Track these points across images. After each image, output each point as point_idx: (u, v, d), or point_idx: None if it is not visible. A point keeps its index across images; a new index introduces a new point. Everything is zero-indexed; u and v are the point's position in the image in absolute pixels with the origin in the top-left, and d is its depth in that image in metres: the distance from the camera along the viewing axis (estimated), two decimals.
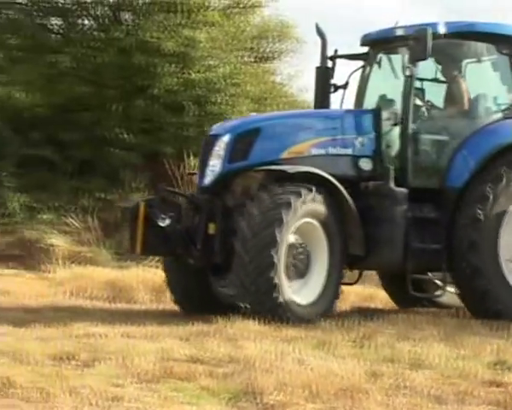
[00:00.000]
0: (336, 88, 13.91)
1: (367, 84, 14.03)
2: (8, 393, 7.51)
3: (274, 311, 11.34)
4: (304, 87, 26.10)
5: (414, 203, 12.45)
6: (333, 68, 13.99)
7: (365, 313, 12.99)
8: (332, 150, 12.52)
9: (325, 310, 12.12)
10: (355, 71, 13.99)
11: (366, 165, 12.68)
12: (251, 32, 23.65)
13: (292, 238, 11.80)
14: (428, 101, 13.35)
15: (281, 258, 11.43)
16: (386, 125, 12.81)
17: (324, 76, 13.84)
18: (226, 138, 12.25)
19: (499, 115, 13.38)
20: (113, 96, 23.27)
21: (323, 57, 13.73)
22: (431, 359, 9.36)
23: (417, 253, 12.31)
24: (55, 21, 25.13)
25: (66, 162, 22.45)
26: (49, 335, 10.24)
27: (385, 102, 13.40)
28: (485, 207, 12.34)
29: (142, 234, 11.89)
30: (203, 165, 12.55)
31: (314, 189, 11.72)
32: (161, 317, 12.84)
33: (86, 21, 24.71)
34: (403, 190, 12.33)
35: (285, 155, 12.31)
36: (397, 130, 12.89)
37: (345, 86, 13.88)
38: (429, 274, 13.46)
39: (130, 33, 23.18)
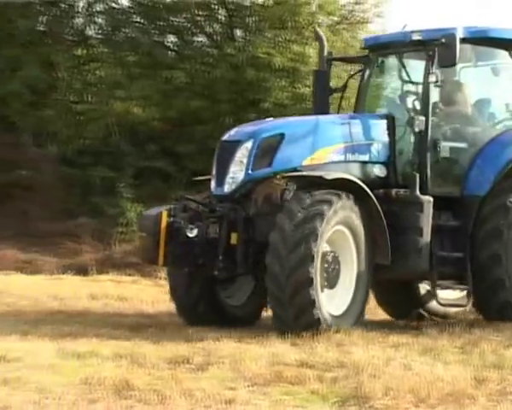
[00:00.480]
0: (333, 91, 13.35)
1: (368, 88, 13.41)
2: (126, 395, 7.69)
3: (312, 327, 10.59)
4: None
5: (436, 211, 11.89)
6: (329, 71, 13.32)
7: (470, 321, 12.63)
8: (350, 157, 11.85)
9: (357, 320, 11.42)
10: (354, 74, 13.73)
11: (381, 171, 12.07)
12: (358, 47, 23.59)
13: (324, 248, 11.07)
14: (443, 106, 12.59)
15: (317, 272, 10.69)
16: (400, 131, 12.28)
17: (322, 79, 13.08)
18: (249, 144, 11.38)
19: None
20: (225, 109, 23.45)
21: (322, 60, 12.99)
22: None
23: (441, 261, 11.80)
24: (171, 39, 25.50)
25: (181, 174, 22.63)
26: (165, 339, 10.43)
27: (394, 106, 12.98)
28: (507, 218, 11.91)
29: (165, 245, 11.05)
30: (221, 172, 11.55)
31: (344, 195, 11.00)
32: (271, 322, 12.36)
33: (200, 38, 25.00)
34: (429, 198, 11.71)
35: (307, 161, 11.58)
36: (411, 135, 12.29)
37: (343, 89, 13.35)
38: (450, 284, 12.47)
39: (242, 49, 23.33)
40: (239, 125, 12.56)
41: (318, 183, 10.96)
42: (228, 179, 11.34)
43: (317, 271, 10.60)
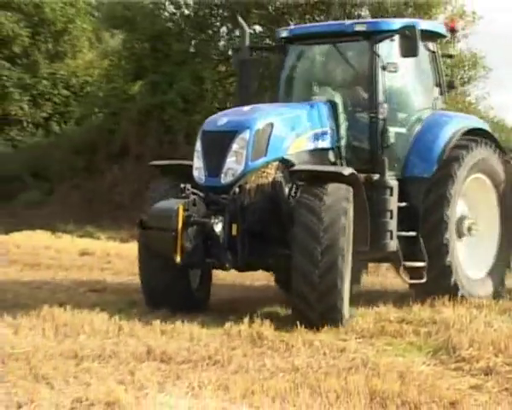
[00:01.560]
0: (257, 78, 11.24)
1: (292, 76, 11.34)
2: (259, 344, 7.95)
3: (338, 323, 8.68)
4: (489, 106, 25.67)
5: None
6: (253, 59, 11.18)
7: None
8: (316, 144, 9.96)
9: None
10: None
11: (333, 157, 10.17)
12: (449, 62, 23.17)
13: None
14: (388, 94, 10.40)
15: (347, 269, 8.99)
16: (341, 118, 10.32)
17: (245, 68, 10.85)
18: (246, 135, 9.33)
19: (431, 108, 10.94)
20: None
21: (244, 49, 10.74)
22: None
23: (402, 241, 10.11)
24: None
25: None
26: None
27: (331, 93, 10.56)
28: (452, 187, 10.23)
29: (183, 240, 8.81)
30: (214, 162, 9.38)
31: (351, 188, 9.16)
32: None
33: None
34: (395, 181, 10.09)
35: (291, 149, 9.67)
36: (355, 121, 10.48)
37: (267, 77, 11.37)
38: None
39: None
40: (222, 114, 10.27)
41: (321, 176, 9.18)
42: (224, 170, 9.31)
43: (347, 269, 8.96)
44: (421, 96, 10.96)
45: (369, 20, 10.97)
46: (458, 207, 10.57)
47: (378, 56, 10.10)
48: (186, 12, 25.13)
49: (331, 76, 11.33)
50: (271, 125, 9.53)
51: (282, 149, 9.58)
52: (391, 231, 9.78)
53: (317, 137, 9.94)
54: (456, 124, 10.82)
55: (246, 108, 10.00)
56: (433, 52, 10.94)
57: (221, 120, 9.72)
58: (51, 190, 24.76)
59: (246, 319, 8.74)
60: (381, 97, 10.17)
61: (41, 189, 24.77)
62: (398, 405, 6.12)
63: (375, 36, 10.18)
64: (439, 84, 11.01)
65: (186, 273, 9.67)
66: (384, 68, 10.06)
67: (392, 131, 10.31)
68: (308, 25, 11.61)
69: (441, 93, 11.09)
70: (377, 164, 10.15)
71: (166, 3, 25.20)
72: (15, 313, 8.98)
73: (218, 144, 9.47)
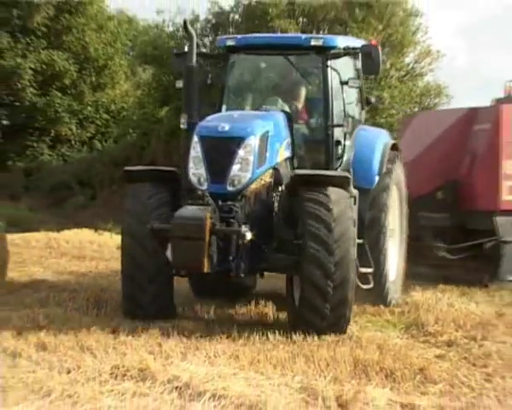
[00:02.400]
0: (201, 86, 8.62)
1: (242, 85, 9.63)
2: (264, 321, 7.88)
3: (342, 331, 7.39)
4: None
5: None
6: (199, 67, 8.78)
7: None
8: (287, 153, 8.40)
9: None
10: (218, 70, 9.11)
11: (292, 167, 8.56)
12: (418, 92, 23.11)
13: None
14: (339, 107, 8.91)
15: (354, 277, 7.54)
16: (296, 128, 8.67)
17: (192, 74, 8.41)
18: (252, 142, 7.74)
19: (360, 122, 9.50)
20: None
21: (191, 56, 8.39)
22: None
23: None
24: None
25: None
26: None
27: (278, 104, 8.85)
28: (389, 198, 9.07)
29: (210, 249, 7.21)
30: (218, 169, 7.70)
31: (355, 194, 8.13)
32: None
33: None
34: (356, 191, 8.32)
35: (279, 157, 8.18)
36: (308, 132, 8.94)
37: (209, 85, 9.06)
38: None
39: None
40: (217, 119, 8.17)
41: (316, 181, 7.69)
42: (231, 177, 7.68)
43: (354, 277, 7.56)
44: (356, 110, 9.38)
45: (326, 35, 9.04)
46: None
47: (337, 72, 8.56)
48: (203, 50, 25.20)
49: (281, 88, 9.42)
50: (268, 132, 7.97)
51: (275, 157, 8.08)
52: (353, 239, 7.75)
53: (288, 145, 8.39)
54: (383, 138, 9.57)
55: (237, 114, 8.38)
56: (358, 70, 9.11)
57: (222, 125, 7.85)
58: (94, 195, 24.99)
59: (253, 302, 8.71)
60: (343, 111, 8.69)
61: (86, 194, 24.99)
62: (377, 371, 6.15)
63: (330, 51, 8.60)
64: (362, 100, 9.49)
65: (171, 284, 7.94)
66: (345, 83, 8.58)
67: (344, 143, 8.75)
68: (258, 35, 9.25)
69: (363, 108, 9.53)
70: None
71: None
72: (65, 296, 8.99)
73: (223, 150, 7.77)
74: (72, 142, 21.35)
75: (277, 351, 6.65)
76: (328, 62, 8.59)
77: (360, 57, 8.58)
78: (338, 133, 8.67)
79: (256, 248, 7.55)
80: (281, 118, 8.32)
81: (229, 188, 7.71)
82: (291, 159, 8.53)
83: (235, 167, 7.71)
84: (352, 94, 9.16)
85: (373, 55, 8.38)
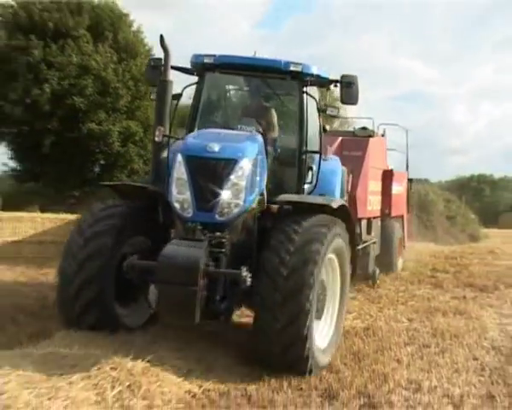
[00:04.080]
0: (174, 98, 7.59)
1: (215, 103, 8.58)
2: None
3: (298, 364, 6.16)
4: None
5: None
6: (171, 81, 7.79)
7: None
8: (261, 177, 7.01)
9: (335, 349, 7.04)
10: (188, 86, 7.72)
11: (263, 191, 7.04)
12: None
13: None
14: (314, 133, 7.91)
15: (313, 302, 6.20)
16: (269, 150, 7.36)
17: (166, 89, 7.62)
18: (244, 164, 6.49)
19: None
20: None
21: (166, 70, 7.62)
22: None
23: None
24: None
25: None
26: None
27: (253, 124, 7.66)
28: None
29: (202, 295, 5.94)
30: (206, 194, 6.36)
31: (340, 222, 6.99)
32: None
33: None
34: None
35: (265, 182, 6.99)
36: (281, 155, 7.76)
37: (178, 98, 7.71)
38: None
39: None
40: (203, 137, 6.83)
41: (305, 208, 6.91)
42: (221, 205, 6.33)
43: (313, 301, 6.19)
44: (316, 138, 7.97)
45: (304, 62, 7.64)
46: None
47: (314, 99, 7.61)
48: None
49: (256, 109, 8.14)
50: (258, 154, 6.80)
51: (263, 182, 6.89)
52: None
53: (268, 169, 7.21)
54: (340, 166, 8.93)
55: (223, 134, 7.05)
56: (315, 99, 7.93)
57: (211, 145, 6.48)
58: None
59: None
60: (319, 138, 7.75)
61: None
62: None
63: (309, 78, 7.73)
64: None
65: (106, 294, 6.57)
66: (323, 111, 7.64)
67: (314, 169, 7.80)
68: (236, 55, 7.83)
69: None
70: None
71: None
72: None
73: (212, 174, 6.40)
74: (140, 173, 24.37)
75: None
76: (305, 89, 7.73)
77: (340, 86, 7.66)
78: (310, 160, 7.81)
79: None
80: (261, 140, 7.15)
81: (219, 217, 6.34)
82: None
83: (226, 194, 6.37)
84: (316, 120, 7.95)
85: (354, 85, 7.59)
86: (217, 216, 6.40)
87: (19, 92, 19.49)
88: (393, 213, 13.23)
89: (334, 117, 8.22)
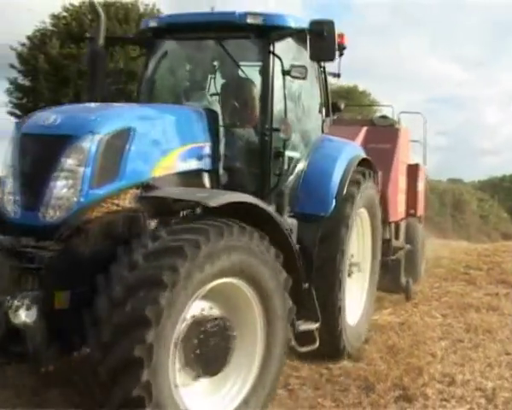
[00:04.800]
0: (110, 74, 5.51)
1: (159, 75, 6.45)
2: None
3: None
4: None
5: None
6: (107, 52, 6.23)
7: None
8: (193, 164, 5.33)
9: None
10: (136, 57, 5.84)
11: (208, 182, 5.51)
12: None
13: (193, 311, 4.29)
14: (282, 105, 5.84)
15: (169, 348, 4.04)
16: (226, 132, 5.73)
17: (97, 59, 5.89)
18: (86, 143, 4.42)
19: (319, 131, 6.71)
20: None
21: (98, 39, 5.87)
22: None
23: (291, 295, 5.10)
24: None
25: None
26: None
27: (204, 99, 6.08)
28: (348, 230, 6.32)
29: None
30: (31, 186, 4.47)
31: (246, 230, 4.46)
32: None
33: None
34: (294, 220, 5.88)
35: (159, 170, 4.94)
36: (241, 137, 5.91)
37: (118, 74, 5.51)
38: None
39: None
40: (53, 109, 4.91)
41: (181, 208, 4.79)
42: (48, 202, 4.37)
43: (168, 346, 3.98)
44: (312, 115, 6.61)
45: (267, 12, 5.70)
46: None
47: (279, 59, 5.70)
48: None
49: (211, 80, 6.49)
50: (129, 131, 4.67)
51: (144, 170, 4.81)
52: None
53: (192, 154, 5.32)
54: (350, 151, 6.81)
55: (91, 105, 5.23)
56: (321, 67, 6.72)
57: (48, 117, 4.60)
58: None
59: None
60: (282, 111, 5.76)
61: None
62: None
63: (274, 32, 5.79)
64: (326, 105, 6.87)
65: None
66: (287, 73, 5.66)
67: (287, 155, 5.92)
68: (185, 13, 6.13)
69: (327, 115, 6.89)
70: (269, 196, 5.75)
71: None
72: None
73: (40, 157, 4.49)
74: None
75: None
76: (271, 47, 5.74)
77: (308, 39, 5.55)
78: (278, 142, 5.80)
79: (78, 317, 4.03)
80: (187, 114, 5.39)
81: (44, 219, 4.37)
82: (207, 172, 5.49)
83: (57, 185, 4.39)
84: (315, 94, 6.64)
85: (326, 34, 5.45)
86: (42, 217, 4.36)
87: (70, 97, 20.00)
88: (418, 213, 11.38)
89: (301, 79, 5.72)
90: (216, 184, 5.55)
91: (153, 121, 5.02)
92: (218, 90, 6.35)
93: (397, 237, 10.17)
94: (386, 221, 8.89)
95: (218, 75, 6.44)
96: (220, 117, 5.71)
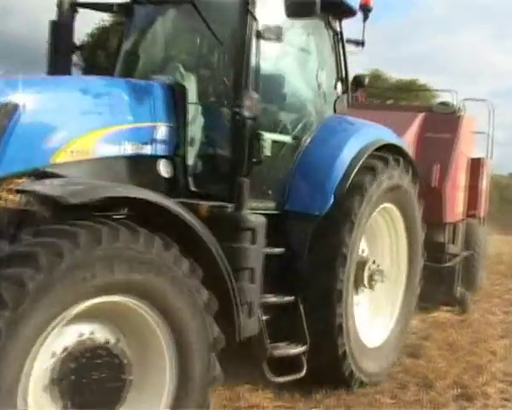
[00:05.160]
0: (77, 47, 5.17)
1: (135, 46, 5.48)
2: None
3: None
4: None
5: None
6: (72, 21, 5.15)
7: None
8: (128, 148, 4.25)
9: None
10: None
11: (165, 170, 4.52)
12: None
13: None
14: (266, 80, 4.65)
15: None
16: (192, 111, 4.68)
17: (64, 31, 5.07)
18: None
19: (330, 110, 5.67)
20: None
21: (62, 7, 4.98)
22: None
23: (271, 313, 4.75)
24: None
25: None
26: None
27: (176, 73, 4.85)
28: (352, 232, 5.15)
29: None
30: None
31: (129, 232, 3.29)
32: None
33: None
34: (263, 219, 4.36)
35: (60, 155, 3.83)
36: (214, 118, 4.84)
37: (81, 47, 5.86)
38: None
39: None
40: None
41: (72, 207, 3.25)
42: None
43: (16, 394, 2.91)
44: (318, 91, 5.55)
45: None
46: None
47: (254, 18, 4.47)
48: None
49: (188, 50, 5.58)
50: (15, 106, 3.68)
51: (38, 154, 3.78)
52: (249, 305, 4.19)
53: (130, 136, 4.29)
54: (365, 136, 5.56)
55: None
56: (337, 34, 5.73)
57: None
58: None
59: None
60: (249, 82, 4.44)
61: None
62: None
63: None
64: (342, 79, 5.79)
65: None
66: (260, 36, 4.45)
67: (269, 138, 4.69)
68: None
69: (345, 91, 5.82)
70: (233, 188, 4.38)
71: None
72: None
73: None
74: None
75: None
76: (249, 5, 4.49)
77: None
78: (256, 123, 4.51)
79: None
80: (131, 89, 4.40)
81: None
82: (163, 158, 4.53)
83: None
84: (324, 66, 5.62)
85: None
86: None
87: None
88: (480, 215, 9.83)
89: (276, 41, 4.51)
90: (182, 172, 4.58)
91: (52, 92, 4.00)
92: (195, 63, 5.24)
93: (453, 242, 8.97)
94: (440, 223, 8.13)
95: (197, 45, 5.36)
96: (194, 93, 4.74)
